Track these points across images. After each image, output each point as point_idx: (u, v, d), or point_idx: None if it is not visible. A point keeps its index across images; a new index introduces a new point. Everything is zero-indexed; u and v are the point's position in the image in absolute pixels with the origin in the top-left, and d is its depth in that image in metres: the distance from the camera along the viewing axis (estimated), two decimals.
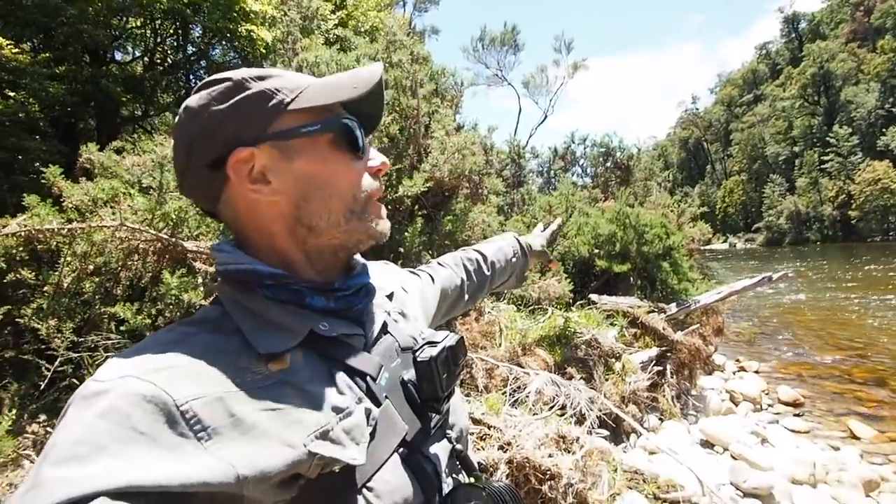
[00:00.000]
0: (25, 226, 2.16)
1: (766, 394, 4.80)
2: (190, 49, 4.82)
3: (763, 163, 62.52)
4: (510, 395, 2.60)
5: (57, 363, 2.02)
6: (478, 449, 2.03)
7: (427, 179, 2.74)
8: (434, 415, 0.60)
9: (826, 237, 47.68)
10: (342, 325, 0.58)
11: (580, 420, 2.58)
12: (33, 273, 2.18)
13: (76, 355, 2.04)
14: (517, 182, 8.71)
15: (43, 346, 2.08)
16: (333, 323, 0.57)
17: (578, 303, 4.33)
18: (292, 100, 0.55)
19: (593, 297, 4.40)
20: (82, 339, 2.09)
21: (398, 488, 0.53)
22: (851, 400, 4.55)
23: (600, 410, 2.80)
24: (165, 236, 2.28)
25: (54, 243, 2.20)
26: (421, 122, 2.90)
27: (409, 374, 0.60)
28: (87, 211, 2.32)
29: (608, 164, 10.25)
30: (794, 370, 5.60)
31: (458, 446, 0.62)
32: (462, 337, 0.64)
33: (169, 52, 4.85)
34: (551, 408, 2.56)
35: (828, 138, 50.86)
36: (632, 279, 5.10)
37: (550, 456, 1.92)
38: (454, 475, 0.62)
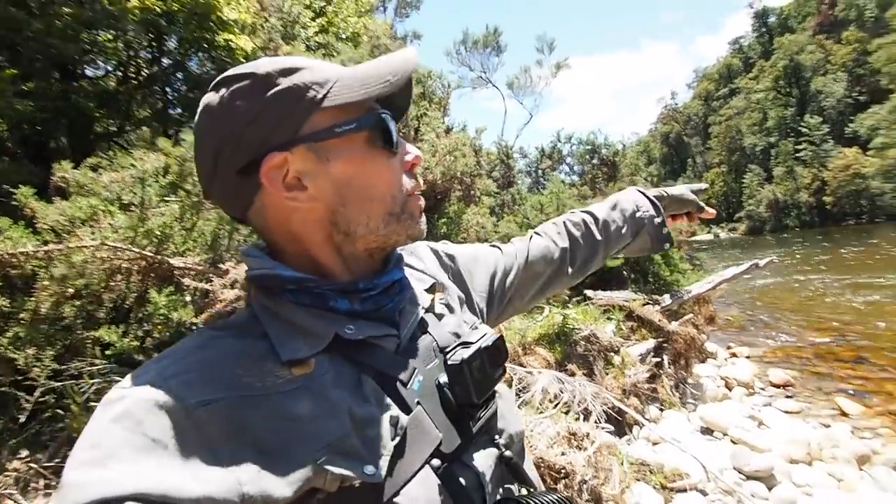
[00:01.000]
0: None
1: (759, 378, 4.85)
2: (166, 61, 4.71)
3: (741, 154, 64.14)
4: (516, 395, 2.56)
5: (37, 394, 1.92)
6: None
7: None
8: (472, 422, 0.54)
9: (804, 223, 48.95)
10: (371, 326, 0.54)
11: (586, 416, 2.56)
12: (7, 300, 2.07)
13: (58, 384, 1.93)
14: (507, 182, 8.70)
15: (20, 378, 1.97)
16: (361, 325, 0.53)
17: (574, 299, 4.33)
18: (324, 96, 0.50)
19: (589, 292, 4.41)
20: (64, 367, 1.99)
21: (427, 503, 0.48)
22: (837, 378, 4.64)
23: (604, 405, 2.78)
24: (150, 253, 2.20)
25: (29, 267, 2.09)
26: (410, 125, 2.86)
27: (445, 378, 0.55)
28: (64, 231, 2.22)
29: (594, 161, 10.33)
30: (782, 353, 5.68)
31: (508, 453, 0.56)
32: (501, 336, 0.59)
33: (143, 64, 4.73)
34: (556, 405, 2.53)
35: (801, 127, 52.44)
36: (625, 273, 5.13)
37: (563, 454, 1.89)
38: (505, 485, 0.57)
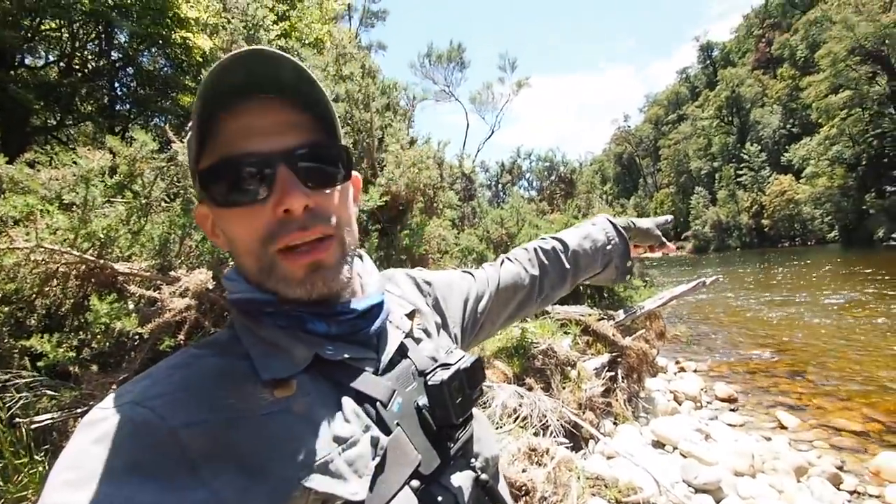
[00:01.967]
0: None
1: (705, 391, 5.10)
2: (115, 55, 4.45)
3: (688, 176, 68.11)
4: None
5: None
6: None
7: (383, 193, 2.67)
8: (451, 443, 0.55)
9: (745, 244, 52.42)
10: (350, 348, 0.55)
11: (544, 430, 2.58)
12: None
13: None
14: (468, 196, 8.82)
15: None
16: (340, 347, 0.54)
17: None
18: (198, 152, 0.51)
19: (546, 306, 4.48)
20: None
21: None
22: (776, 392, 4.95)
23: (561, 419, 2.82)
24: (91, 258, 2.04)
25: None
26: (374, 135, 2.84)
27: (424, 400, 0.55)
28: None
29: (553, 178, 10.68)
30: (726, 368, 6.01)
31: (483, 476, 0.57)
32: (479, 358, 0.60)
33: (90, 57, 4.46)
34: (515, 420, 2.54)
35: (741, 154, 56.42)
36: (581, 288, 5.26)
37: (524, 471, 1.89)
38: None
